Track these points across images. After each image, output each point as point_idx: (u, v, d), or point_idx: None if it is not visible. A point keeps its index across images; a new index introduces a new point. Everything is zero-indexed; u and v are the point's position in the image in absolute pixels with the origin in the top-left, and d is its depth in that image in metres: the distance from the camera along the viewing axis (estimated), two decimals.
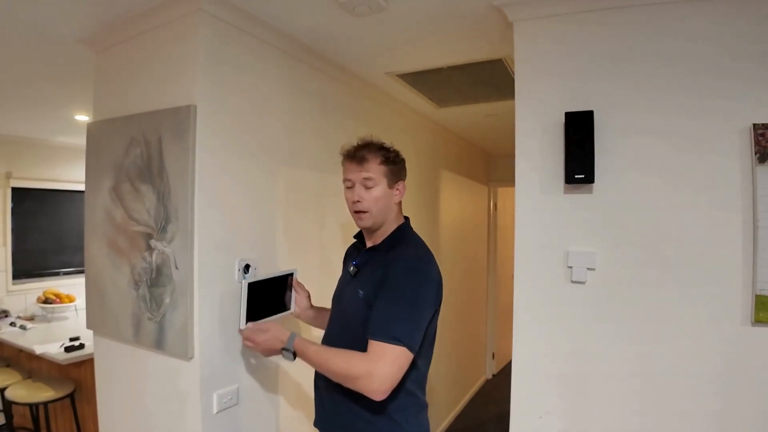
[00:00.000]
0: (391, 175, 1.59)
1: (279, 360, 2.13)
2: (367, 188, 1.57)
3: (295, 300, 1.93)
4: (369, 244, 1.66)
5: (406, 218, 1.70)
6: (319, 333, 1.84)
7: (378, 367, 1.34)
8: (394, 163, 1.60)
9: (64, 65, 2.48)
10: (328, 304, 2.45)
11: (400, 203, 1.66)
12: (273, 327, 1.64)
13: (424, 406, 1.59)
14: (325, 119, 2.50)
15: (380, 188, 1.57)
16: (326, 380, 1.53)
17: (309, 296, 1.99)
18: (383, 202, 1.58)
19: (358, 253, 1.72)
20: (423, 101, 3.29)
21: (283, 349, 1.58)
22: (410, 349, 1.38)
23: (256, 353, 1.85)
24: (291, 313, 1.93)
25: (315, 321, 1.97)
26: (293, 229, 2.25)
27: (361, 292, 1.52)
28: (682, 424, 1.64)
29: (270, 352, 1.65)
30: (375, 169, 1.57)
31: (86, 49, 2.19)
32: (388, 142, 1.66)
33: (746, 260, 1.58)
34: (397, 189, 1.62)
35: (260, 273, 1.97)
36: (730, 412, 1.59)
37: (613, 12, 1.74)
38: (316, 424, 1.66)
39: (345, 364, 1.41)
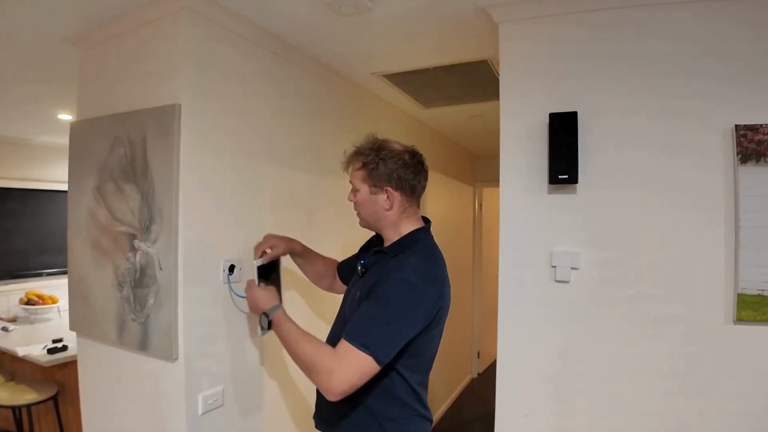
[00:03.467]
0: (371, 180, 1.54)
1: (264, 360, 2.12)
2: (354, 192, 1.61)
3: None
4: (385, 244, 1.61)
5: (427, 221, 1.65)
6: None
7: (340, 368, 1.33)
8: (375, 168, 1.53)
9: (48, 64, 2.45)
10: (317, 309, 2.45)
11: (405, 209, 1.57)
12: (267, 290, 1.73)
13: (424, 418, 1.54)
14: (311, 119, 2.49)
15: (362, 194, 1.57)
16: None
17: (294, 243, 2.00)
18: (368, 208, 1.58)
19: (370, 251, 1.69)
20: (409, 102, 3.30)
21: (263, 313, 1.64)
22: (377, 360, 1.33)
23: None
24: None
25: (303, 267, 2.05)
26: (280, 229, 2.24)
27: (359, 293, 1.51)
28: (667, 423, 1.66)
29: (254, 309, 1.76)
30: (354, 176, 1.59)
31: (70, 48, 2.16)
32: (393, 140, 1.63)
33: (728, 260, 1.60)
34: (385, 195, 1.54)
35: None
36: (714, 409, 1.61)
37: (597, 14, 1.76)
38: (314, 417, 1.65)
39: (312, 354, 1.40)
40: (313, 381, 1.39)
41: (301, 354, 1.43)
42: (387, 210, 1.55)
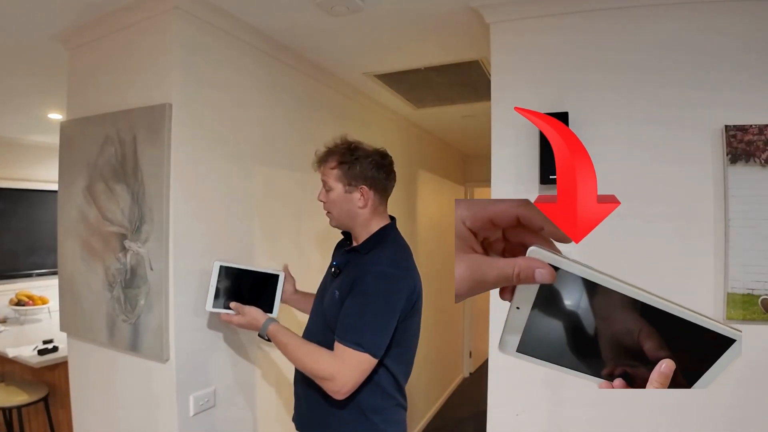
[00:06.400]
0: (346, 179, 1.57)
1: (255, 360, 2.12)
2: (326, 191, 1.62)
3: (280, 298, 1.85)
4: (354, 244, 1.65)
5: (393, 218, 1.68)
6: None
7: (341, 372, 1.40)
8: (350, 167, 1.56)
9: (37, 62, 2.43)
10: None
11: (376, 207, 1.60)
12: (250, 312, 1.65)
13: (401, 407, 1.60)
14: (302, 119, 2.49)
15: (335, 192, 1.59)
16: (305, 377, 1.54)
17: (294, 284, 1.94)
18: (340, 206, 1.59)
19: (341, 251, 1.70)
20: (401, 102, 3.30)
21: (259, 335, 1.63)
22: (373, 355, 1.41)
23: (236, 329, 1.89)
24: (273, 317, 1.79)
25: (300, 305, 1.95)
26: (271, 229, 2.25)
27: (337, 293, 1.53)
28: (659, 422, 1.67)
29: (248, 329, 1.71)
30: (328, 173, 1.60)
31: (60, 46, 2.15)
32: (364, 142, 1.64)
33: (718, 259, 1.61)
34: (359, 194, 1.56)
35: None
36: (705, 409, 1.62)
37: (588, 15, 1.77)
38: (294, 420, 1.66)
39: (312, 363, 1.46)
40: (319, 384, 1.45)
41: (302, 365, 1.50)
42: (360, 208, 1.58)
